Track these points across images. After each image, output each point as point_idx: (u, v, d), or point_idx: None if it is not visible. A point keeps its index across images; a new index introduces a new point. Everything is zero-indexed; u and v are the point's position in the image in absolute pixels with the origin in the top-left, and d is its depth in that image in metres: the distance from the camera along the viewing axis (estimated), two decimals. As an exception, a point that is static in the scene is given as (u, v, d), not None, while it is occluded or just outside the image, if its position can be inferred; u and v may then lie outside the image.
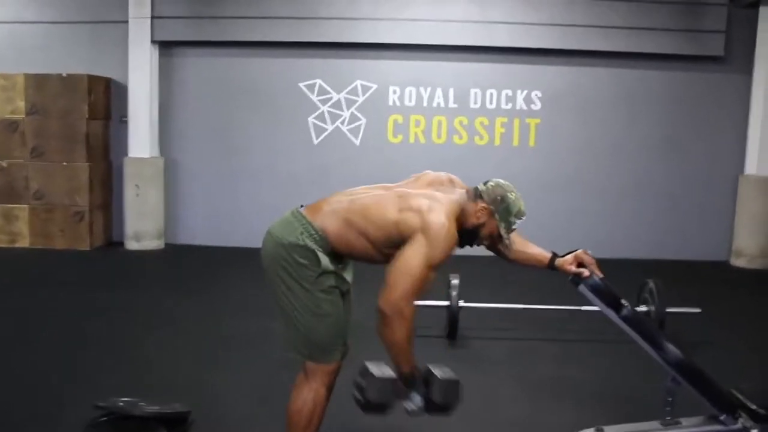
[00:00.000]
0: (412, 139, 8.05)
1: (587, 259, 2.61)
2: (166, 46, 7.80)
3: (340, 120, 7.99)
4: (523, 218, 2.51)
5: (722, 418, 2.64)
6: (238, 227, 7.97)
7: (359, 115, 7.99)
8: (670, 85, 7.94)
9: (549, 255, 2.67)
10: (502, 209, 2.46)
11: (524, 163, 8.01)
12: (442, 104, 8.01)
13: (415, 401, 2.38)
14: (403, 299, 2.25)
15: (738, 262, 7.90)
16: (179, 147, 8.00)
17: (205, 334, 4.78)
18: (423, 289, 2.32)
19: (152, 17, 7.52)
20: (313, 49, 7.78)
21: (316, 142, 8.01)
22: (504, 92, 8.00)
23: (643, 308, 4.90)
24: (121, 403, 2.88)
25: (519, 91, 8.00)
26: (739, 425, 2.63)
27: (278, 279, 2.47)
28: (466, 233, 2.49)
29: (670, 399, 2.70)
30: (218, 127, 7.98)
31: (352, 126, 8.01)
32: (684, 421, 2.70)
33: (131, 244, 7.69)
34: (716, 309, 5.48)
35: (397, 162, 7.98)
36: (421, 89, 7.97)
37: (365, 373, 2.36)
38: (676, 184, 8.06)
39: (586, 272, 2.58)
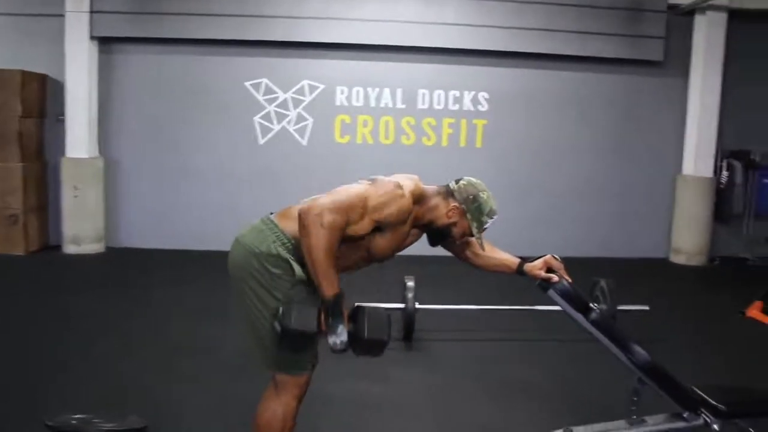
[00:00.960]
0: (359, 140, 8.00)
1: (556, 264, 2.62)
2: (105, 42, 7.50)
3: (287, 120, 7.86)
4: (495, 217, 2.50)
5: (685, 415, 2.69)
6: (183, 229, 7.75)
7: (306, 115, 7.87)
8: (613, 89, 8.14)
9: (517, 260, 2.67)
10: (474, 208, 2.45)
11: (471, 163, 8.04)
12: (390, 105, 7.98)
13: (339, 334, 2.15)
14: (326, 207, 2.16)
15: (677, 259, 8.17)
16: (120, 147, 7.71)
17: (153, 342, 4.59)
18: (349, 217, 2.22)
19: (91, 11, 7.21)
20: (259, 48, 7.62)
21: (262, 141, 7.86)
22: (451, 93, 8.04)
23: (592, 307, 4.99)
24: (74, 421, 2.72)
25: (466, 92, 8.05)
26: (701, 421, 2.69)
27: (248, 289, 2.37)
28: (438, 231, 2.46)
29: (635, 399, 2.74)
30: (161, 126, 7.72)
31: (299, 126, 7.89)
32: (649, 419, 2.74)
33: (70, 248, 7.36)
34: (662, 305, 5.65)
35: (345, 162, 7.93)
36: (369, 89, 7.92)
37: (287, 301, 2.26)
38: (619, 184, 8.27)
39: (555, 277, 2.60)
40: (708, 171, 8.06)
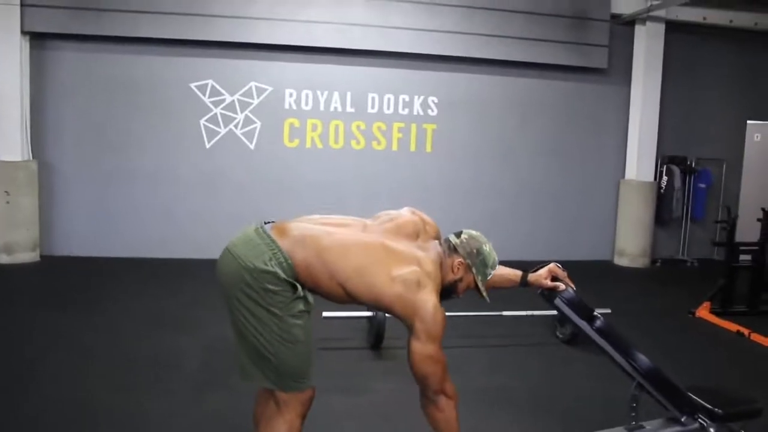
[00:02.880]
0: (308, 144, 7.84)
1: (560, 273, 2.60)
2: (38, 38, 7.05)
3: (234, 123, 7.62)
4: (497, 268, 2.48)
5: (683, 419, 2.70)
6: (124, 236, 7.40)
7: (254, 118, 7.66)
8: (559, 95, 8.30)
9: (520, 273, 2.64)
10: (479, 262, 2.41)
11: (421, 168, 8.06)
12: (340, 108, 7.86)
13: None
14: (442, 384, 2.29)
15: (621, 261, 8.39)
16: (55, 149, 7.26)
17: (107, 357, 4.30)
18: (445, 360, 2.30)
19: (22, 4, 6.76)
20: (205, 48, 7.36)
21: (208, 145, 7.58)
22: (401, 97, 7.99)
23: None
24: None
25: (416, 97, 8.03)
26: (697, 425, 2.70)
27: (240, 305, 2.23)
28: (444, 290, 2.40)
29: (634, 405, 2.73)
30: (100, 128, 7.32)
31: (247, 129, 7.66)
32: (647, 425, 2.74)
33: (2, 258, 6.85)
34: (610, 307, 5.72)
35: (294, 167, 7.78)
36: (318, 93, 7.78)
37: None
38: (564, 189, 8.43)
39: (562, 286, 2.57)
40: (649, 176, 8.32)
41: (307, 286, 2.29)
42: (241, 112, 7.62)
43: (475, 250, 2.40)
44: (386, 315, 4.51)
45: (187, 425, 3.36)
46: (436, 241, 2.46)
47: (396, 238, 2.37)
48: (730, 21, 8.14)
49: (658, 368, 2.64)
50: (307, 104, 7.77)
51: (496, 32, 7.77)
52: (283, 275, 2.19)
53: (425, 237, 2.45)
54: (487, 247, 2.43)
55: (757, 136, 9.15)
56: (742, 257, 6.16)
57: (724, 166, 8.78)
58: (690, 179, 8.56)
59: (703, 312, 5.93)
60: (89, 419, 3.36)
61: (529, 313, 5.06)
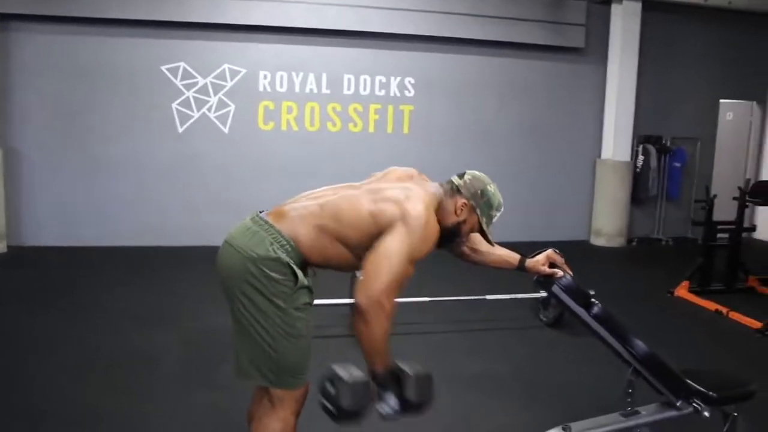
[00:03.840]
0: (284, 127, 7.70)
1: (558, 259, 2.54)
2: (3, 19, 6.76)
3: (207, 106, 7.44)
4: (502, 210, 2.37)
5: (678, 404, 2.69)
6: (96, 224, 7.21)
7: (227, 101, 7.48)
8: (536, 74, 8.25)
9: (518, 256, 2.57)
10: (483, 203, 2.31)
11: (399, 149, 7.96)
12: (315, 90, 7.73)
13: (390, 403, 2.12)
14: (384, 293, 2.01)
15: (597, 241, 8.44)
16: (21, 135, 7.00)
17: (81, 353, 4.15)
18: (403, 286, 2.09)
19: (-17, -15, 6.51)
20: (176, 30, 7.15)
21: (180, 129, 7.40)
22: (378, 78, 7.88)
23: (544, 293, 5.02)
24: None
25: (392, 78, 7.92)
26: (691, 409, 2.69)
27: (244, 297, 2.14)
28: (447, 231, 2.30)
29: (630, 391, 2.70)
30: (69, 113, 7.08)
31: (220, 113, 7.49)
32: (642, 410, 2.71)
33: (-34, 249, 6.66)
34: (589, 287, 5.74)
35: (269, 150, 7.64)
36: (293, 74, 7.63)
37: (334, 378, 2.09)
38: (541, 168, 8.42)
39: (560, 273, 2.51)
40: (626, 155, 8.36)
41: (316, 262, 2.22)
42: (215, 95, 7.44)
43: (479, 191, 2.30)
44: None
45: (173, 424, 3.25)
46: (436, 183, 2.37)
47: (382, 182, 2.32)
48: (705, 0, 8.15)
49: (655, 353, 2.61)
50: (281, 86, 7.62)
51: (473, 11, 7.69)
52: (286, 259, 2.11)
53: (419, 180, 2.38)
54: (491, 188, 2.34)
55: (729, 115, 9.29)
56: (719, 236, 6.22)
57: (698, 145, 8.85)
58: (665, 158, 8.61)
59: (682, 291, 5.98)
60: (65, 420, 3.24)
61: (512, 296, 5.04)
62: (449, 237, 2.32)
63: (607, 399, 3.59)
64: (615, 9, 8.14)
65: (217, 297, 5.51)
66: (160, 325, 4.73)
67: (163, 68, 7.24)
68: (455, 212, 2.29)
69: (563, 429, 2.58)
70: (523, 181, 8.31)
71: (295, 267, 2.13)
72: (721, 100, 9.01)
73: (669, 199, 8.79)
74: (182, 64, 7.30)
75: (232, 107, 7.50)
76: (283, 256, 2.11)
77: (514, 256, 2.57)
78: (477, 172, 2.38)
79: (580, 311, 2.55)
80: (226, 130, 7.52)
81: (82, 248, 6.99)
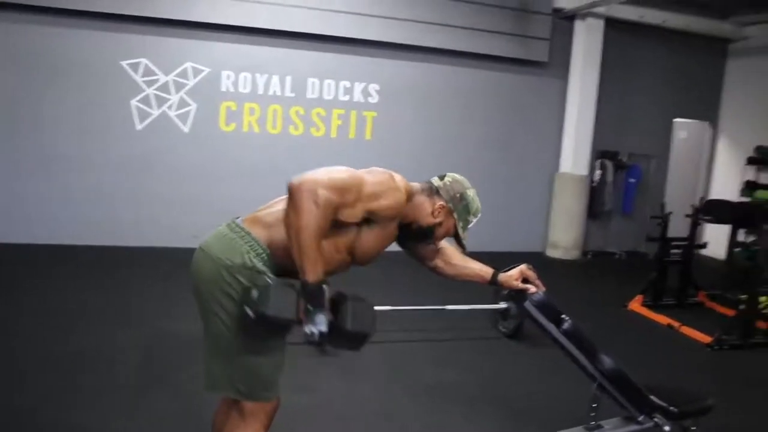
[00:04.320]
0: (246, 128, 7.60)
1: (531, 274, 2.56)
2: (-49, 6, 6.52)
3: (168, 104, 7.29)
4: (479, 216, 2.36)
5: (640, 419, 2.75)
6: (47, 222, 6.95)
7: (189, 100, 7.34)
8: (500, 86, 8.35)
9: (491, 270, 2.57)
10: (462, 207, 2.30)
11: (360, 156, 7.90)
12: (278, 92, 7.65)
13: (319, 323, 1.89)
14: (321, 183, 1.92)
15: (553, 253, 8.57)
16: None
17: (30, 356, 3.98)
18: (344, 199, 1.98)
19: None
20: (139, 24, 6.96)
21: (139, 127, 7.22)
22: (342, 83, 7.85)
23: (503, 305, 5.07)
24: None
25: (357, 83, 7.90)
26: (652, 423, 2.75)
27: (217, 307, 2.08)
28: (421, 231, 2.28)
29: (594, 405, 2.75)
30: (19, 106, 6.81)
31: (181, 111, 7.34)
32: (605, 424, 2.77)
33: None
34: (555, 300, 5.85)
35: (230, 152, 7.54)
36: (257, 76, 7.54)
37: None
38: (501, 180, 8.50)
39: (533, 288, 2.53)
40: (583, 170, 8.51)
41: (291, 269, 2.10)
42: (176, 94, 7.29)
43: (458, 195, 2.29)
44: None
45: (129, 429, 3.17)
46: (414, 183, 2.33)
47: None
48: (664, 21, 8.38)
49: (621, 369, 2.67)
50: (245, 87, 7.52)
51: (440, 21, 7.74)
52: (262, 268, 2.06)
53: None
54: (470, 193, 2.33)
55: (682, 134, 9.54)
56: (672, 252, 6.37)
57: (653, 162, 9.08)
58: (621, 174, 8.80)
59: (636, 305, 6.11)
60: (7, 428, 3.10)
61: (471, 307, 5.07)
62: (422, 237, 2.31)
63: (570, 411, 3.65)
64: (578, 25, 8.29)
65: (175, 299, 5.42)
66: (115, 326, 4.60)
67: (124, 63, 7.06)
68: (432, 214, 2.27)
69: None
70: (482, 191, 8.09)
71: (269, 277, 2.07)
72: (676, 119, 9.27)
73: (623, 213, 9.00)
74: (144, 60, 7.13)
75: (194, 106, 7.36)
76: (259, 265, 2.06)
77: (487, 270, 2.57)
78: (458, 175, 2.38)
79: (551, 327, 2.58)
80: (186, 130, 7.38)
81: (31, 246, 6.73)
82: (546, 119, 8.58)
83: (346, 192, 1.99)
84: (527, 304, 2.53)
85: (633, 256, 8.92)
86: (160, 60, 7.18)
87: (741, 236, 7.16)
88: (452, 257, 2.52)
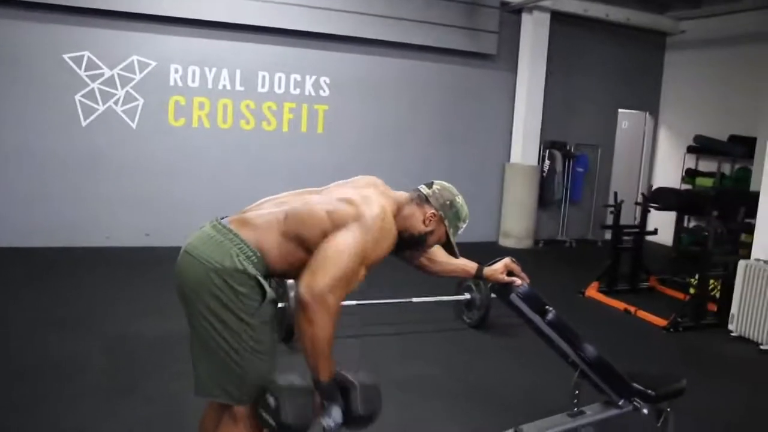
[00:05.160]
0: (195, 123, 7.42)
1: (516, 267, 2.59)
2: None
3: (114, 99, 7.04)
4: (467, 222, 2.37)
5: (620, 403, 2.81)
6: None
7: (136, 94, 7.11)
8: (450, 79, 8.40)
9: (475, 265, 2.59)
10: (452, 214, 2.30)
11: (312, 150, 7.89)
12: (228, 86, 7.49)
13: (335, 416, 1.99)
14: (329, 288, 1.91)
15: (506, 242, 8.70)
16: None
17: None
18: (351, 285, 2.01)
19: None
20: (80, 16, 6.68)
21: (84, 123, 6.95)
22: (293, 77, 7.75)
23: (467, 296, 5.12)
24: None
25: (308, 77, 7.81)
26: (631, 407, 2.82)
27: (207, 311, 2.01)
28: (413, 240, 2.27)
29: (576, 392, 2.79)
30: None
31: (128, 107, 7.10)
32: (587, 410, 2.81)
33: None
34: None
35: (179, 147, 7.36)
36: (206, 69, 7.36)
37: (275, 388, 1.98)
38: (452, 171, 8.45)
39: (518, 281, 2.56)
40: (533, 160, 8.66)
41: (281, 271, 2.13)
42: (122, 88, 7.04)
43: (448, 202, 2.29)
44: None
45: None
46: (402, 192, 2.32)
47: (346, 188, 2.25)
48: (607, 15, 8.59)
49: (603, 357, 2.72)
50: (193, 81, 7.33)
51: (390, 14, 7.73)
52: (253, 272, 2.01)
53: (382, 188, 2.32)
54: (459, 200, 2.33)
55: (624, 124, 9.83)
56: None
57: (599, 151, 9.33)
58: (569, 164, 9.01)
59: (592, 291, 6.26)
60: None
61: (437, 298, 5.10)
62: (413, 245, 2.30)
63: (545, 399, 3.73)
64: (525, 18, 8.43)
65: (134, 300, 5.26)
66: (76, 331, 4.42)
67: (66, 57, 6.77)
68: (423, 222, 2.26)
69: (515, 431, 2.63)
70: None
71: (262, 280, 2.03)
72: (619, 110, 9.53)
73: (572, 202, 9.21)
74: (87, 54, 6.86)
75: (141, 101, 7.13)
76: (250, 269, 2.01)
77: (471, 265, 2.58)
78: (445, 183, 2.38)
79: (536, 318, 2.60)
80: (134, 126, 7.15)
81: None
82: (496, 111, 8.69)
83: (351, 278, 1.99)
84: (513, 297, 2.55)
85: (582, 244, 9.15)
86: (104, 53, 6.92)
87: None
88: (436, 254, 2.52)
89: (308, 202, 2.16)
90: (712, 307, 5.60)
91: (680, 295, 6.14)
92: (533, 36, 8.36)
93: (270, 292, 2.05)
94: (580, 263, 7.82)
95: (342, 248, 1.98)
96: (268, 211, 2.15)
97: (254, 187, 7.49)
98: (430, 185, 2.33)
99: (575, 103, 9.03)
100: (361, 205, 2.08)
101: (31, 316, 4.69)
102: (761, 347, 5.00)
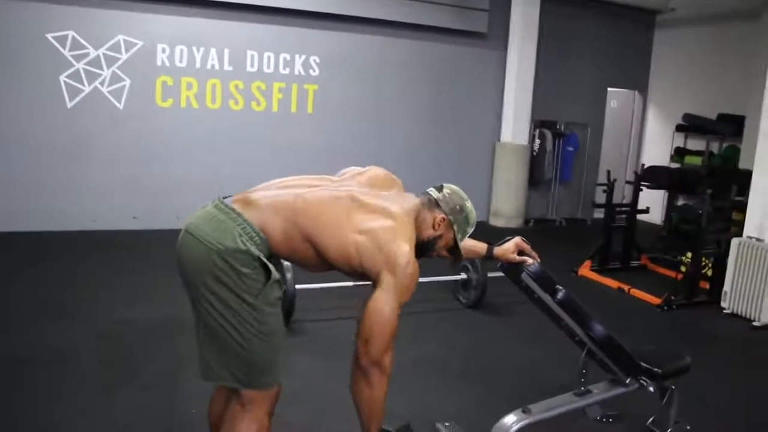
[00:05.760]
0: (183, 104, 7.31)
1: (526, 246, 2.59)
2: None
3: (100, 80, 6.90)
4: (474, 227, 2.36)
5: (627, 381, 2.83)
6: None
7: (122, 75, 6.98)
8: (440, 57, 8.34)
9: (485, 245, 2.58)
10: (462, 219, 2.28)
11: (302, 130, 7.82)
12: (217, 66, 7.38)
13: None
14: (382, 353, 2.03)
15: (496, 222, 8.71)
16: None
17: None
18: (395, 335, 2.08)
19: None
20: (64, -6, 6.55)
21: (70, 105, 6.81)
22: (282, 56, 7.65)
23: (463, 275, 5.12)
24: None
25: (297, 56, 7.72)
26: (637, 385, 2.84)
27: (209, 294, 1.97)
28: (422, 246, 2.23)
29: (584, 371, 2.80)
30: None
31: (114, 87, 6.97)
32: (594, 389, 2.82)
33: None
34: (493, 268, 5.95)
35: (167, 129, 7.26)
36: (194, 49, 7.24)
37: None
38: (443, 150, 8.55)
39: (530, 260, 2.55)
40: (524, 139, 8.65)
41: (284, 255, 2.10)
42: (108, 69, 6.91)
43: (458, 207, 2.26)
44: (295, 287, 4.33)
45: (95, 430, 2.99)
46: (413, 194, 2.30)
47: (367, 190, 2.19)
48: (597, -8, 8.57)
49: (612, 335, 2.72)
50: (181, 61, 7.21)
51: (381, -9, 7.64)
52: (256, 252, 1.97)
53: (398, 189, 2.29)
54: (469, 205, 2.31)
55: (613, 103, 9.83)
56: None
57: (589, 130, 9.33)
58: (559, 143, 9.00)
59: (585, 270, 6.29)
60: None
61: (433, 279, 5.07)
62: (423, 250, 2.25)
63: (541, 375, 3.76)
64: (516, -5, 8.37)
65: (123, 285, 5.20)
66: (67, 318, 4.35)
67: (49, 36, 6.61)
68: (433, 227, 2.23)
69: (524, 411, 2.63)
70: (424, 161, 8.37)
71: (266, 260, 1.99)
72: (609, 89, 9.53)
73: (562, 181, 9.22)
74: (71, 33, 6.70)
75: (128, 82, 7.01)
76: (253, 249, 1.96)
77: (481, 246, 2.57)
78: (454, 186, 2.35)
79: (546, 298, 2.60)
80: (120, 107, 7.03)
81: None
82: (486, 90, 8.65)
83: (395, 331, 2.06)
84: (524, 276, 2.54)
85: (572, 223, 9.19)
86: (89, 33, 6.77)
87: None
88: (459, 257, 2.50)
89: (329, 202, 2.08)
90: (704, 284, 5.65)
91: (671, 274, 6.17)
92: (524, 14, 8.31)
93: (275, 273, 2.01)
94: (571, 242, 7.85)
95: (385, 312, 2.01)
96: (274, 193, 2.11)
97: (243, 167, 7.44)
98: (440, 189, 2.30)
99: (565, 82, 9.00)
100: (391, 246, 2.02)
101: (19, 303, 4.61)
102: (754, 324, 5.05)
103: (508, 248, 2.56)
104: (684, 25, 9.13)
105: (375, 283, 2.04)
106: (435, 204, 2.25)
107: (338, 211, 2.06)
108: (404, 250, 2.03)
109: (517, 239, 2.58)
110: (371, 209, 2.09)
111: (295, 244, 2.06)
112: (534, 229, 8.79)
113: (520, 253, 2.57)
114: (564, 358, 4.03)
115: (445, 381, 3.74)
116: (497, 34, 8.44)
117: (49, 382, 3.40)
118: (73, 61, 6.75)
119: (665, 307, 5.33)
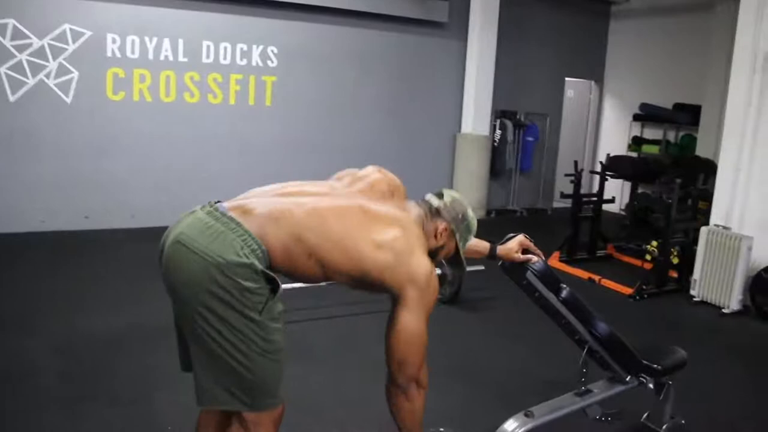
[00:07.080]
0: (136, 97, 6.97)
1: (530, 244, 2.49)
2: None
3: (45, 72, 6.52)
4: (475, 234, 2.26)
5: (627, 379, 2.77)
6: None
7: (70, 66, 6.61)
8: (400, 47, 8.21)
9: (487, 245, 2.47)
10: (464, 228, 2.16)
11: (261, 123, 7.60)
12: (171, 57, 7.07)
13: None
14: (418, 369, 2.05)
15: (459, 214, 8.64)
16: None
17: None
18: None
19: None
20: (4, -20, 6.15)
21: (12, 98, 6.41)
22: (239, 47, 7.39)
23: (438, 271, 5.00)
24: None
25: (255, 46, 7.46)
26: (637, 383, 2.79)
27: (207, 312, 1.77)
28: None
29: (584, 371, 2.72)
30: None
31: (61, 80, 6.60)
32: (594, 388, 2.75)
33: None
34: (472, 261, 5.88)
35: (119, 123, 6.93)
36: (146, 39, 6.91)
37: None
38: (403, 141, 8.43)
39: (534, 258, 2.45)
40: (485, 130, 8.60)
41: (283, 270, 1.91)
42: (54, 60, 6.53)
43: (460, 215, 2.15)
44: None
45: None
46: (414, 202, 2.17)
47: (373, 199, 2.04)
48: (555, -17, 8.57)
49: (616, 333, 2.65)
50: (133, 52, 6.87)
51: (339, -20, 7.45)
52: (260, 266, 1.78)
53: (399, 196, 2.15)
54: (471, 212, 2.20)
55: (570, 93, 9.89)
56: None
57: (548, 120, 9.36)
58: (519, 133, 9.00)
59: (554, 261, 6.28)
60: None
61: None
62: None
63: (523, 372, 3.69)
64: (476, -14, 8.30)
65: (77, 291, 4.89)
66: (19, 330, 4.00)
67: (-11, 25, 6.22)
68: (435, 236, 2.10)
69: (526, 415, 2.54)
70: (385, 153, 8.19)
71: (271, 273, 1.80)
72: (566, 79, 9.58)
73: (522, 171, 9.23)
74: (11, 21, 6.29)
75: (76, 74, 6.64)
76: (257, 263, 1.78)
77: (483, 245, 2.46)
78: (454, 193, 2.22)
79: (550, 296, 2.51)
80: (68, 100, 6.65)
81: None
82: (447, 80, 8.56)
83: (427, 342, 2.05)
84: (529, 275, 2.44)
85: (533, 213, 9.22)
86: (32, 21, 6.37)
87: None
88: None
89: (338, 213, 1.93)
90: (673, 273, 5.70)
91: (637, 262, 6.24)
92: (484, 3, 8.24)
93: (281, 286, 1.83)
94: (534, 232, 7.63)
95: (417, 331, 1.98)
96: (272, 200, 1.93)
97: (200, 163, 7.18)
98: (440, 196, 2.17)
99: (524, 72, 9.01)
100: (410, 259, 1.92)
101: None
102: (723, 311, 5.12)
103: (512, 247, 2.45)
104: (639, 15, 9.24)
105: (397, 298, 1.95)
106: (436, 213, 2.12)
107: (349, 225, 1.91)
108: (424, 263, 1.95)
109: (521, 237, 2.48)
110: (384, 221, 1.96)
111: (296, 258, 1.87)
112: (495, 221, 8.78)
113: (524, 251, 2.46)
114: (545, 354, 3.99)
115: (436, 380, 3.61)
116: (457, 24, 8.36)
117: (3, 401, 3.12)
118: (15, 52, 6.35)
119: (637, 297, 5.35)
